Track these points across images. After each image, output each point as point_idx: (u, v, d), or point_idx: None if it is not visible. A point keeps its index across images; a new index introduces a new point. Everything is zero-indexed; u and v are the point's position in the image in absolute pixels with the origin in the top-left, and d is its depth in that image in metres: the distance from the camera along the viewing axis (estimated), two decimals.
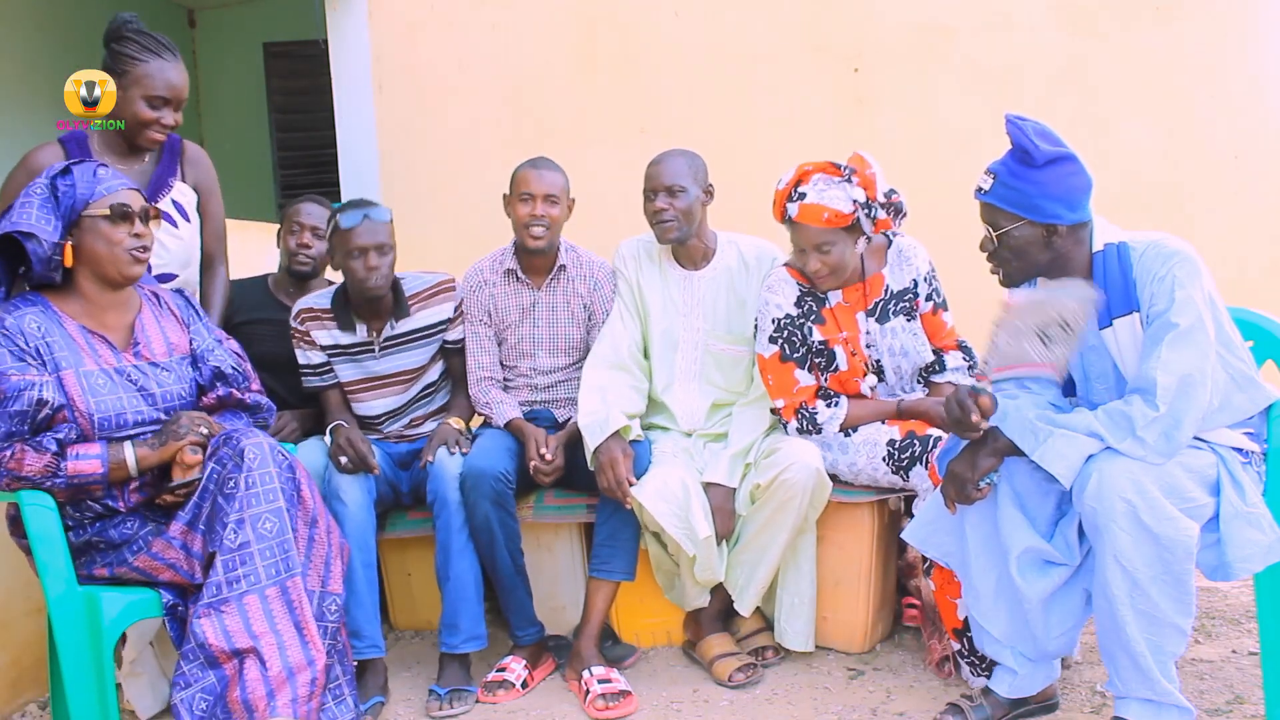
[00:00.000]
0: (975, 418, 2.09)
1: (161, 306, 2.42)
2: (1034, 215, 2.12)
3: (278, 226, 3.26)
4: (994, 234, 2.17)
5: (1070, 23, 3.84)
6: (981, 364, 2.15)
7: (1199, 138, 3.81)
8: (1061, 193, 2.10)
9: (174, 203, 2.65)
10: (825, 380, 2.75)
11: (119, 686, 2.39)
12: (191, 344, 2.41)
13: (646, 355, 2.95)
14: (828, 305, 2.74)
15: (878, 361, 2.75)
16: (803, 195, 2.59)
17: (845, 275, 2.69)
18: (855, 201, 2.58)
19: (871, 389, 2.75)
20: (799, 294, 2.74)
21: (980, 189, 2.18)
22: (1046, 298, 2.06)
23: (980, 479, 2.15)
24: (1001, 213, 2.15)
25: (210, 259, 2.78)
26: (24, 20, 5.18)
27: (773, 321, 2.74)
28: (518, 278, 2.97)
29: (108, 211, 2.21)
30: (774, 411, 2.80)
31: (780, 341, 2.73)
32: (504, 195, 2.94)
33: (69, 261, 2.21)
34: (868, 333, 2.74)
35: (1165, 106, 3.83)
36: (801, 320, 2.73)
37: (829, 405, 2.73)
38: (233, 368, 2.45)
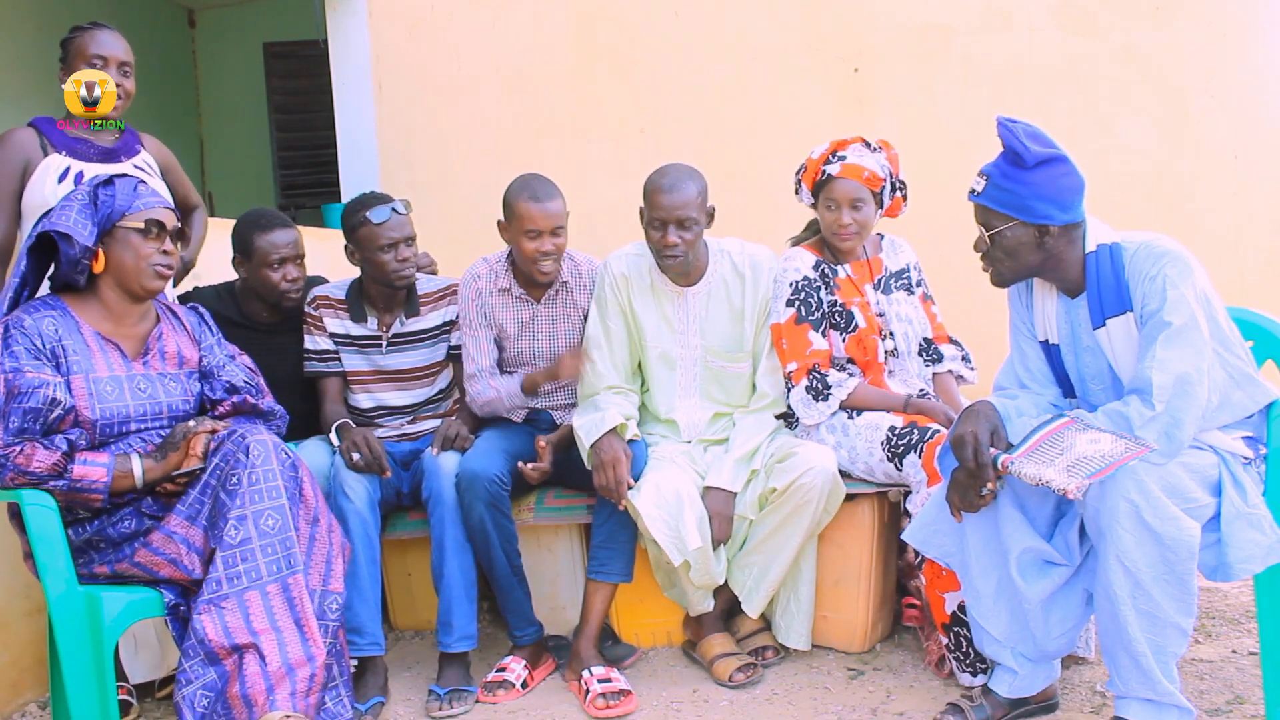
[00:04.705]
0: (985, 493, 2.13)
1: (176, 322, 2.48)
2: (1026, 216, 2.13)
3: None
4: (987, 234, 2.19)
5: (1070, 23, 3.85)
6: (1005, 452, 2.09)
7: (1199, 138, 3.82)
8: (1053, 194, 2.11)
9: (144, 163, 2.77)
10: (844, 341, 2.80)
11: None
12: (202, 360, 2.47)
13: (641, 370, 2.92)
14: (839, 276, 2.84)
15: (889, 332, 2.83)
16: (843, 157, 2.77)
17: (866, 238, 2.86)
18: (886, 170, 2.79)
19: (888, 353, 2.81)
20: (815, 261, 2.84)
21: (973, 191, 2.20)
22: (1111, 449, 1.98)
23: (983, 486, 2.15)
24: (994, 214, 2.16)
25: (191, 208, 2.98)
26: (23, 20, 5.18)
27: (790, 285, 2.79)
28: (514, 295, 2.91)
29: (141, 225, 2.28)
30: (785, 378, 2.78)
31: (797, 304, 2.78)
32: (499, 221, 2.83)
33: (99, 268, 2.28)
34: (876, 302, 2.85)
35: (1165, 106, 3.83)
36: (818, 284, 2.80)
37: (843, 374, 2.78)
38: (245, 381, 2.50)
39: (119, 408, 2.27)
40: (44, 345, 2.20)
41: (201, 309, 2.56)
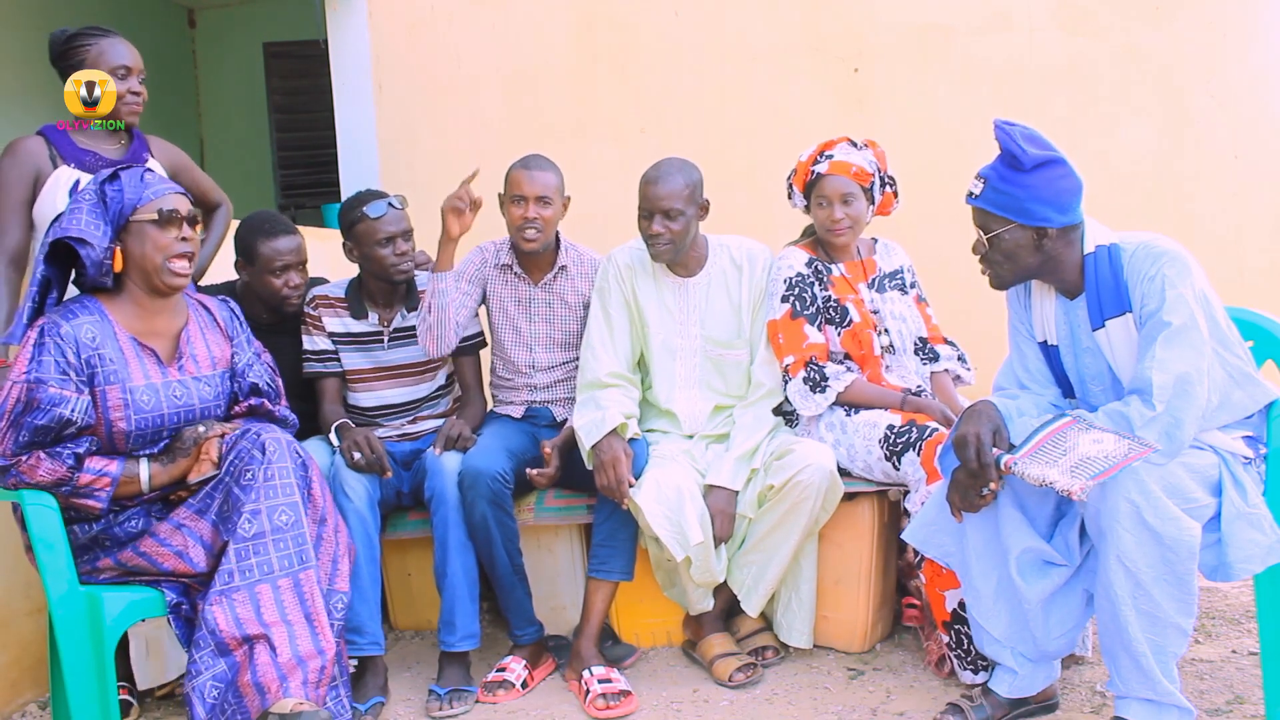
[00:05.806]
0: (986, 493, 2.12)
1: (209, 318, 2.44)
2: (1024, 219, 2.13)
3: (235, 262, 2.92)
4: (985, 237, 2.19)
5: (1070, 23, 3.85)
6: (1008, 453, 2.08)
7: (1199, 138, 3.82)
8: (1050, 196, 2.11)
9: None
10: (840, 335, 2.81)
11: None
12: (233, 358, 2.44)
13: (642, 363, 2.94)
14: (833, 274, 2.86)
15: (884, 328, 2.84)
16: (830, 156, 2.82)
17: (859, 234, 2.89)
18: (874, 165, 2.83)
19: (884, 348, 2.82)
20: (808, 259, 2.85)
21: (971, 194, 2.20)
22: (1114, 449, 1.97)
23: (985, 486, 2.15)
24: (992, 216, 2.17)
25: (214, 203, 2.98)
26: (23, 20, 5.18)
27: (784, 282, 2.81)
28: (514, 273, 2.98)
29: (155, 215, 2.23)
30: (783, 371, 2.79)
31: (791, 299, 2.80)
32: (499, 194, 2.92)
33: (118, 266, 2.23)
34: (871, 300, 2.86)
35: (1165, 106, 3.83)
36: (812, 280, 2.81)
37: (841, 367, 2.79)
38: (267, 383, 2.49)
39: (154, 416, 2.25)
40: (79, 356, 2.15)
41: (232, 303, 2.54)
